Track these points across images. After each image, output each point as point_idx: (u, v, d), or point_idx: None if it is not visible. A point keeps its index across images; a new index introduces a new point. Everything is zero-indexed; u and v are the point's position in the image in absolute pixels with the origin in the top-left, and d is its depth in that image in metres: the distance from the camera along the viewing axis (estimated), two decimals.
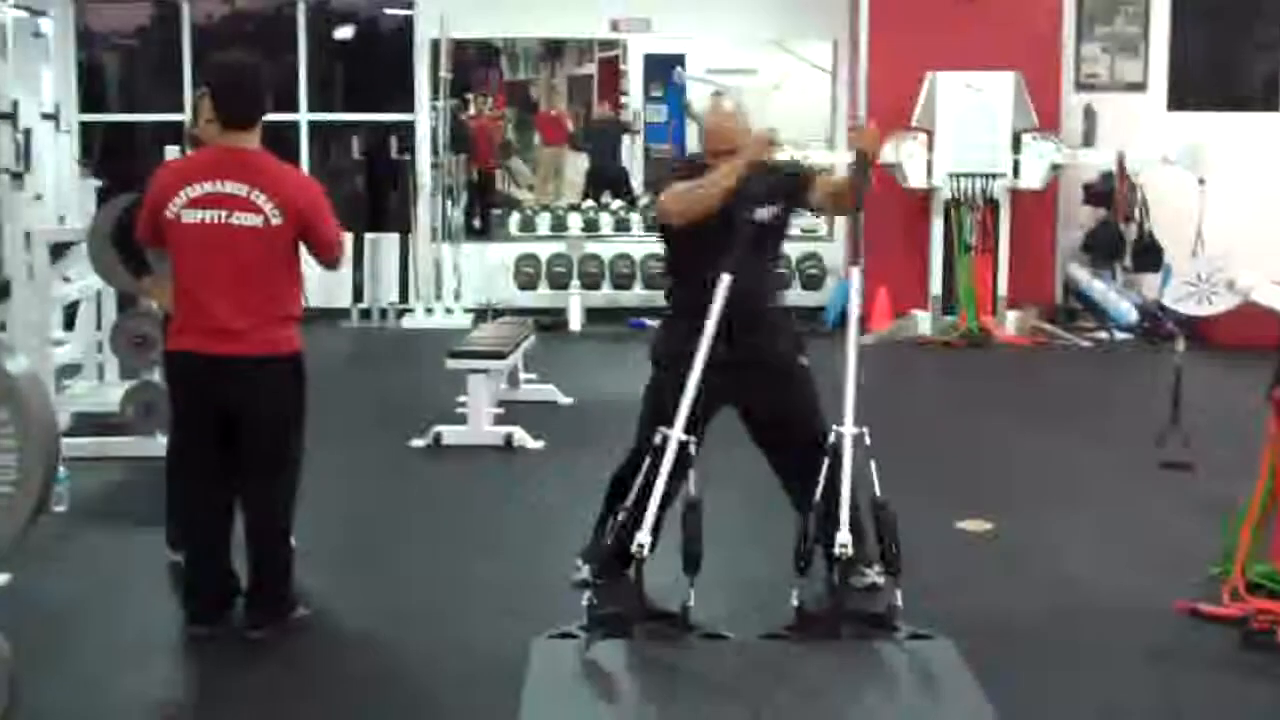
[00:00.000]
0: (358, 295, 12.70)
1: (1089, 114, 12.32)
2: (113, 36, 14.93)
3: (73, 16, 13.13)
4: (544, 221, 13.82)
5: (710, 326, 4.77)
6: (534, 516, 6.48)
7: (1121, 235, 12.07)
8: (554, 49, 18.19)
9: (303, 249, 4.87)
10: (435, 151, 12.93)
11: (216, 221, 4.72)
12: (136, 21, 15.01)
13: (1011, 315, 11.77)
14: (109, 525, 6.37)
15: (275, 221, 4.74)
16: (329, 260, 5.00)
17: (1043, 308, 12.04)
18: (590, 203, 14.77)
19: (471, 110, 16.45)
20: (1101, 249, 12.19)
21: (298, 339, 4.91)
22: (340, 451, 7.40)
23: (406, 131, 13.16)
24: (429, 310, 12.65)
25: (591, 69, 18.65)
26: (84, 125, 13.20)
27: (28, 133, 10.52)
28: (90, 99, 13.45)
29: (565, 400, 9.05)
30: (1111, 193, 12.02)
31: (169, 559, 5.38)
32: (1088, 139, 12.24)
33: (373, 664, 4.78)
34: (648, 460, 4.73)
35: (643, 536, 4.59)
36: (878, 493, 4.74)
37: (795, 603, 4.65)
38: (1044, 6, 12.20)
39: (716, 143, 5.04)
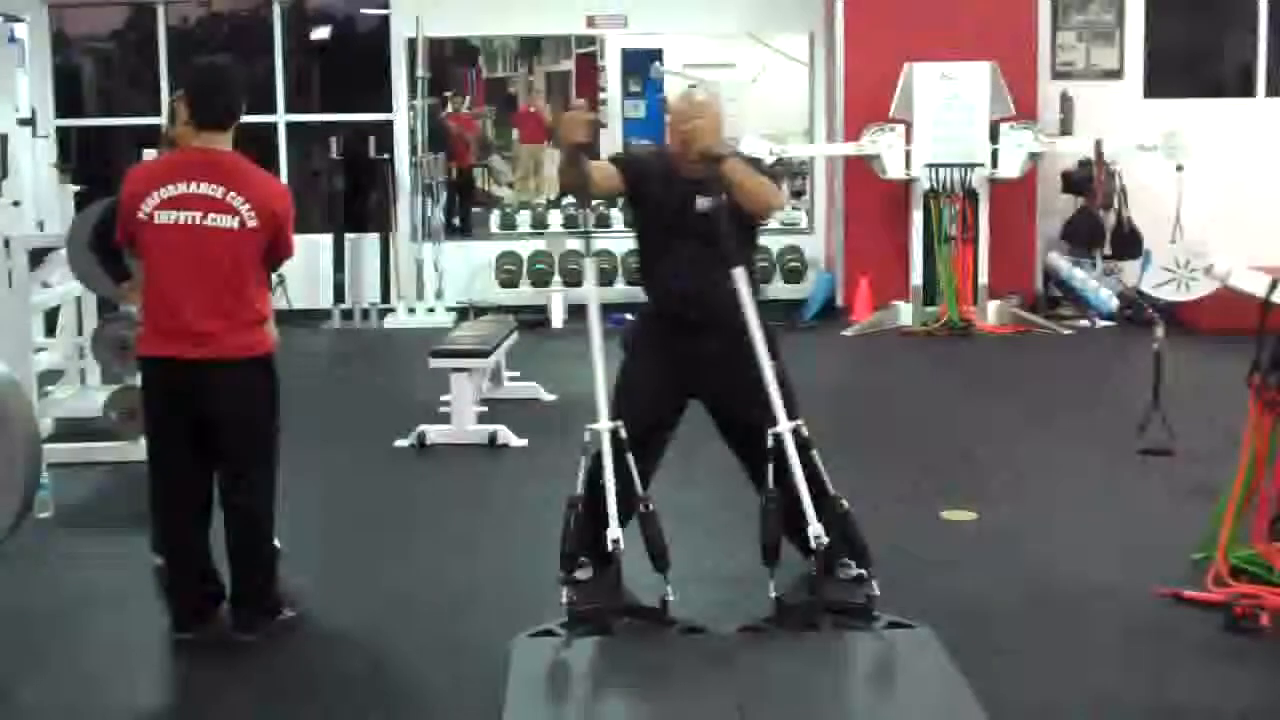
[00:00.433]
0: (339, 296, 12.69)
1: (1066, 102, 12.34)
2: (88, 41, 14.87)
3: (48, 21, 13.08)
4: (524, 219, 13.82)
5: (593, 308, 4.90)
6: (518, 514, 6.49)
7: (1100, 223, 12.08)
8: (531, 46, 18.16)
9: None
10: (414, 150, 12.92)
11: (190, 223, 4.72)
12: (112, 25, 14.95)
13: (992, 304, 11.79)
14: (93, 530, 6.37)
15: (251, 224, 4.74)
16: (279, 263, 5.01)
17: (1023, 296, 12.07)
18: (570, 199, 14.76)
19: (450, 109, 16.44)
20: (1081, 237, 12.21)
21: (269, 340, 4.90)
22: (324, 452, 7.40)
23: (385, 131, 13.14)
24: (411, 310, 12.64)
25: (569, 65, 18.65)
26: (61, 130, 13.15)
27: (4, 138, 10.53)
28: (67, 103, 13.40)
29: (549, 397, 9.05)
30: (1090, 180, 12.04)
31: (153, 563, 5.38)
32: (1065, 127, 12.26)
33: (358, 664, 4.79)
34: (585, 457, 4.77)
35: (613, 532, 4.60)
36: (830, 491, 4.73)
37: (774, 595, 4.66)
38: None
39: (678, 133, 5.03)
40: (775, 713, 4.11)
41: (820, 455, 4.79)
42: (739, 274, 4.85)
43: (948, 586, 5.34)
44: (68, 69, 13.87)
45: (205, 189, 4.73)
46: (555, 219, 13.56)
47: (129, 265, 5.42)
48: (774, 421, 4.75)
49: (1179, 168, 11.35)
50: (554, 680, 4.43)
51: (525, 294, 12.63)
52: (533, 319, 11.75)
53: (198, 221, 4.72)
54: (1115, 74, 12.79)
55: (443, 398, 8.15)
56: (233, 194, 4.73)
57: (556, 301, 12.47)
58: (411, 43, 12.84)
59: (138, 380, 7.05)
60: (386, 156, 13.00)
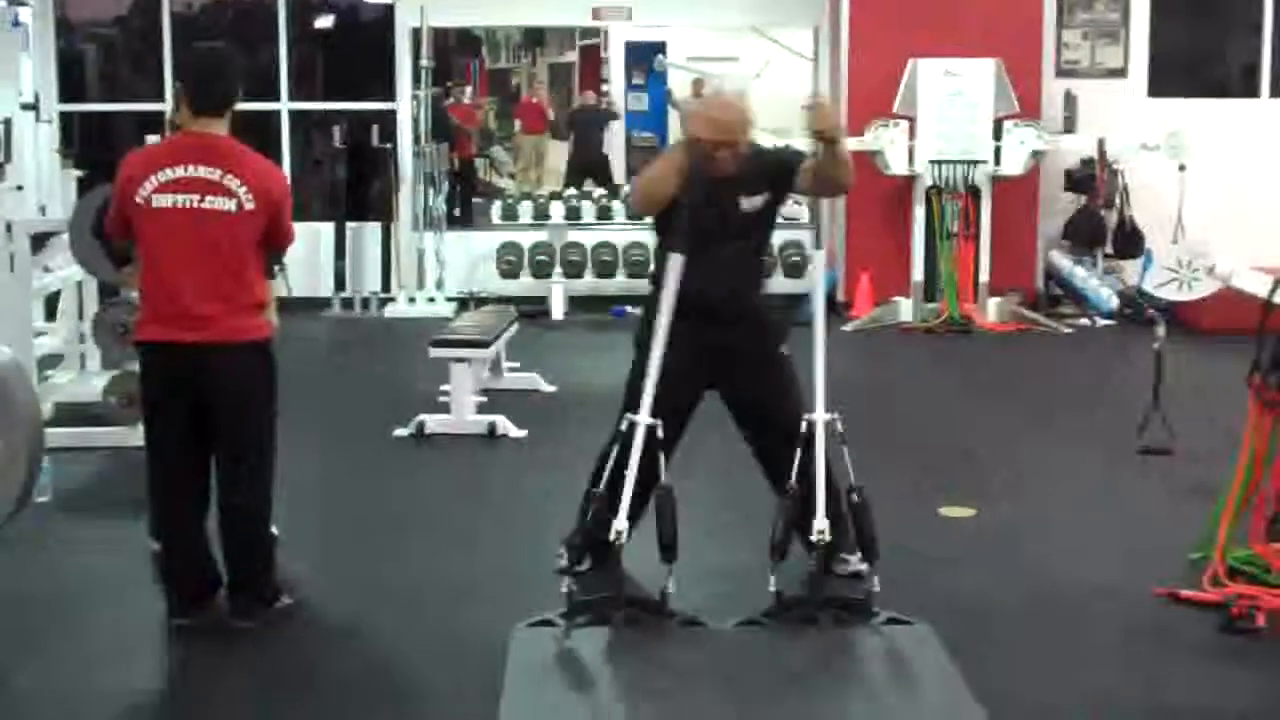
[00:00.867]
0: (339, 284, 12.68)
1: (1069, 100, 12.33)
2: (92, 26, 14.87)
3: (52, 6, 13.07)
4: (526, 210, 13.81)
5: (666, 304, 4.78)
6: (517, 505, 6.49)
7: (1102, 221, 12.08)
8: (535, 37, 18.18)
9: None
10: (417, 140, 12.91)
11: (188, 206, 4.71)
12: (116, 11, 14.96)
13: (993, 302, 11.78)
14: (92, 515, 6.37)
15: (249, 207, 4.74)
16: (279, 249, 5.01)
17: (1024, 294, 12.07)
18: (572, 191, 14.76)
19: (452, 99, 16.44)
20: (1082, 235, 12.21)
21: (267, 325, 4.90)
22: (323, 441, 7.41)
23: (388, 120, 13.13)
24: (411, 299, 12.63)
25: (573, 57, 18.65)
26: (64, 115, 13.15)
27: (8, 123, 10.50)
28: (70, 89, 13.40)
29: (548, 388, 9.05)
30: (1092, 179, 12.03)
31: (152, 548, 5.37)
32: (1068, 125, 12.25)
33: (356, 653, 4.80)
34: (616, 447, 4.74)
35: (619, 523, 4.60)
36: (852, 479, 4.75)
37: (774, 589, 4.66)
38: None
39: (715, 133, 4.92)
40: (773, 707, 4.12)
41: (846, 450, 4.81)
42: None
43: (946, 583, 5.35)
44: (71, 54, 13.86)
45: (202, 172, 4.72)
46: (557, 210, 13.56)
47: (130, 251, 5.41)
48: (799, 407, 4.81)
49: (1181, 167, 11.34)
50: (552, 670, 4.43)
51: (526, 285, 12.62)
52: (533, 310, 11.75)
53: (195, 205, 4.71)
54: (1119, 73, 12.77)
55: (442, 387, 8.14)
56: (230, 177, 4.73)
57: (557, 293, 12.46)
58: (416, 32, 12.82)
59: (137, 366, 7.09)
60: (389, 146, 12.99)
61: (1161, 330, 7.31)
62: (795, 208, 13.50)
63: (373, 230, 12.88)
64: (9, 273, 7.41)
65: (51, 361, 8.66)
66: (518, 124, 19.44)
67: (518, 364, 9.30)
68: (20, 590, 5.30)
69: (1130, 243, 12.00)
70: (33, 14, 12.66)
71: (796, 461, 4.73)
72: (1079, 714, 4.28)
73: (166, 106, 11.51)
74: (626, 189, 14.37)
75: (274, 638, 4.85)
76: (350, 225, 12.82)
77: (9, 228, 7.41)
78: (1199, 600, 5.09)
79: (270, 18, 13.11)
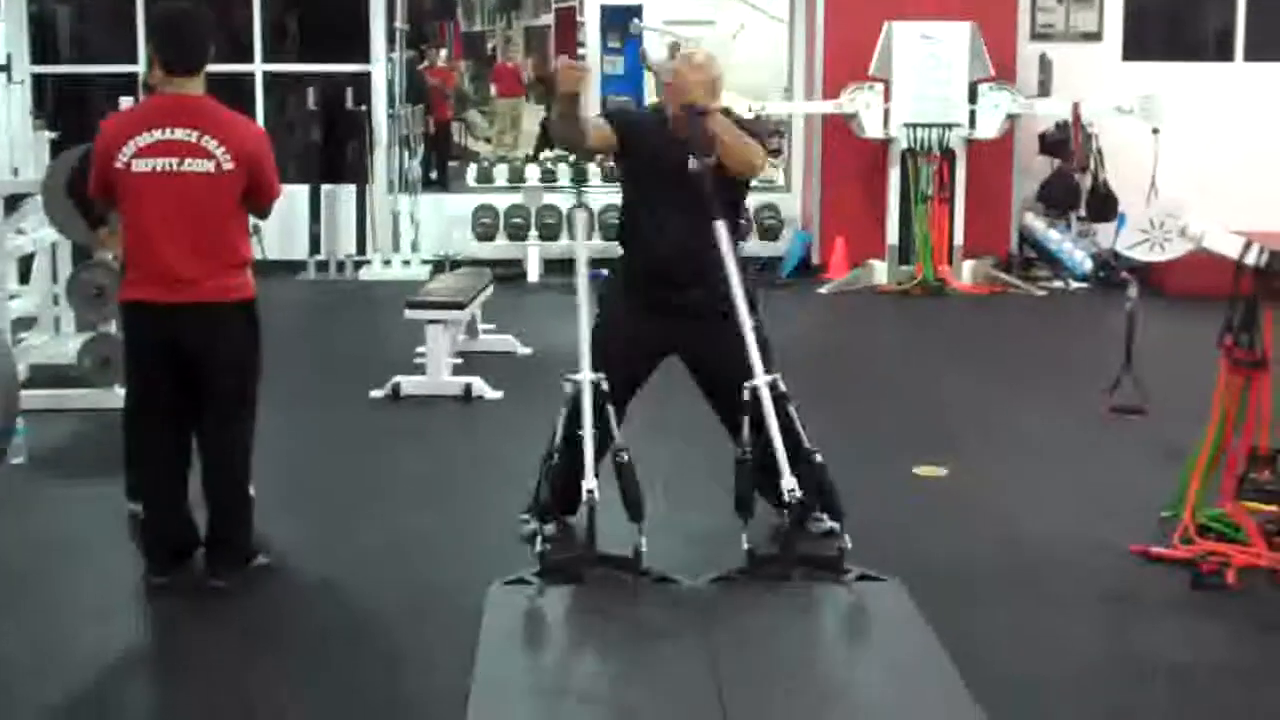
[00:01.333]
0: (315, 247, 12.66)
1: (1044, 64, 12.34)
2: None
3: None
4: (501, 173, 13.79)
5: (581, 257, 4.84)
6: (492, 465, 6.51)
7: (1077, 185, 12.11)
8: (510, 0, 18.09)
9: None
10: (391, 103, 12.88)
11: (167, 170, 4.72)
12: None
13: (967, 264, 11.82)
14: (67, 477, 6.37)
15: (227, 167, 4.74)
16: (266, 207, 5.00)
17: (998, 257, 12.11)
18: (547, 154, 14.73)
19: (427, 62, 16.38)
20: (1057, 198, 12.25)
21: (251, 285, 4.91)
22: (299, 403, 7.40)
23: (362, 83, 13.08)
24: (386, 262, 12.62)
25: (548, 20, 18.58)
26: (37, 77, 13.06)
27: None
28: (43, 50, 13.30)
29: (524, 350, 9.07)
30: (1067, 142, 12.06)
31: (128, 509, 5.38)
32: (1043, 89, 12.26)
33: (332, 611, 4.82)
34: (565, 408, 4.77)
35: (588, 482, 4.63)
36: (805, 443, 4.77)
37: (746, 547, 4.69)
38: None
39: (678, 95, 5.00)
40: (746, 662, 4.15)
41: (795, 410, 4.82)
42: (719, 227, 4.87)
43: (919, 542, 5.38)
44: (44, 16, 13.76)
45: (180, 134, 4.72)
46: (532, 173, 13.53)
47: (104, 213, 5.40)
48: (751, 375, 4.77)
49: (1155, 131, 11.37)
50: (527, 628, 4.46)
51: (501, 247, 12.61)
52: (509, 273, 11.75)
53: (175, 168, 4.72)
54: (1094, 36, 12.79)
55: (418, 349, 8.16)
56: (207, 137, 4.73)
57: (532, 255, 12.46)
58: None
59: (113, 328, 7.09)
60: (364, 108, 12.95)
61: (1133, 291, 7.34)
62: (772, 172, 13.51)
63: (347, 193, 12.85)
64: None
65: (25, 324, 8.63)
66: (493, 87, 19.39)
67: (493, 326, 9.31)
68: None
69: (1104, 206, 12.02)
70: None
71: (746, 422, 4.74)
72: (1050, 668, 4.32)
73: (140, 68, 11.45)
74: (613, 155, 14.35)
75: (251, 596, 4.87)
76: (325, 188, 12.80)
77: None
78: (1170, 558, 5.14)
79: None
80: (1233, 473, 5.37)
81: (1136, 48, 12.86)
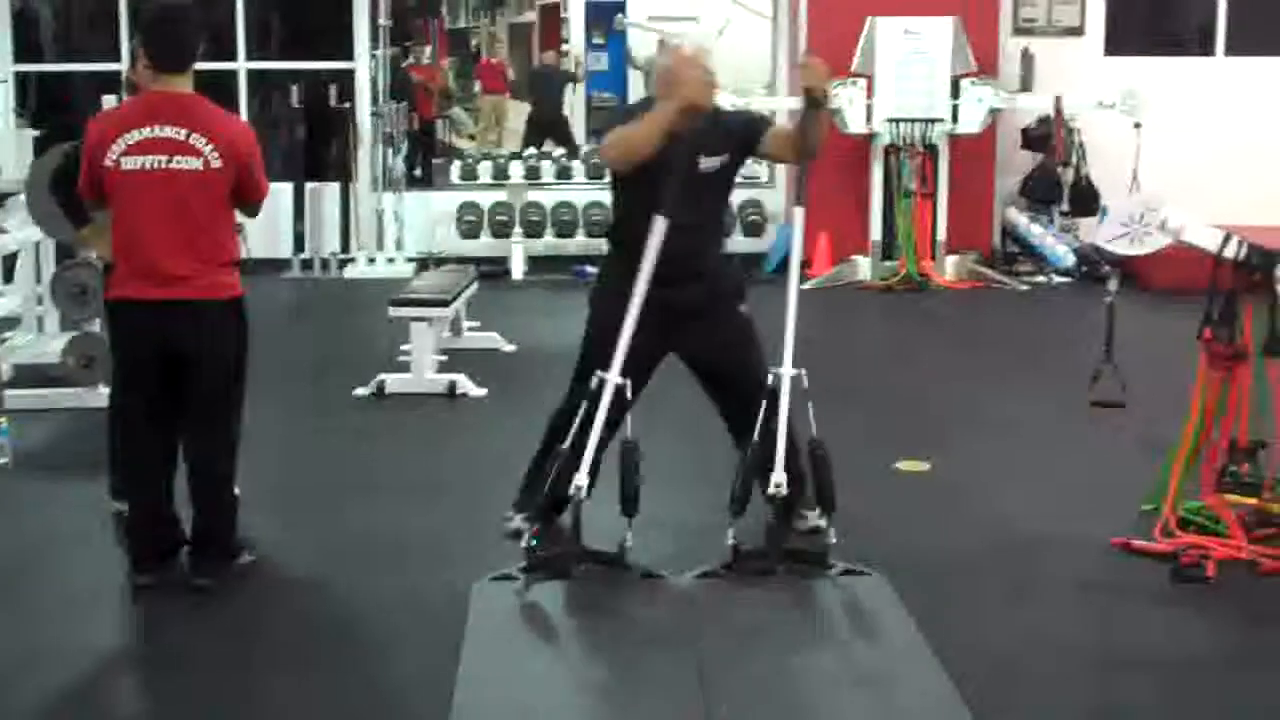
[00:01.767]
0: (299, 245, 12.65)
1: (1027, 59, 12.37)
2: None
3: None
4: (485, 170, 13.79)
5: (646, 268, 4.78)
6: (477, 462, 6.52)
7: (1059, 179, 12.14)
8: None
9: None
10: (375, 100, 12.87)
11: (157, 167, 4.73)
12: None
13: (950, 259, 11.85)
14: (52, 476, 6.37)
15: (215, 165, 4.76)
16: (255, 205, 5.02)
17: (981, 252, 12.14)
18: (532, 151, 14.74)
19: (411, 59, 16.37)
20: (1039, 193, 12.28)
21: (239, 283, 4.93)
22: (284, 400, 7.41)
23: (346, 80, 13.08)
24: (371, 260, 12.61)
25: (532, 17, 18.57)
26: (20, 75, 13.04)
27: None
28: (25, 48, 13.28)
29: (508, 348, 9.08)
30: (1049, 137, 12.08)
31: (112, 509, 5.39)
32: (1025, 84, 12.29)
33: (318, 609, 4.83)
34: (584, 404, 4.77)
35: (580, 479, 4.65)
36: (814, 433, 4.81)
37: (731, 542, 4.72)
38: None
39: (677, 88, 4.88)
40: (732, 656, 4.18)
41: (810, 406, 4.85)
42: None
43: (902, 536, 5.41)
44: (26, 13, 13.74)
45: (169, 132, 4.74)
46: (516, 170, 13.54)
47: (89, 211, 5.41)
48: (760, 364, 4.84)
49: (1137, 125, 11.40)
50: (513, 623, 4.48)
51: (486, 245, 12.61)
52: (493, 270, 11.75)
53: (164, 165, 4.73)
54: (1076, 31, 12.82)
55: (402, 347, 8.17)
56: (195, 135, 4.74)
57: (517, 253, 12.46)
58: None
59: (96, 327, 7.08)
60: (348, 105, 12.95)
61: (1114, 284, 7.34)
62: (755, 167, 13.52)
63: (332, 191, 12.85)
64: None
65: (9, 323, 8.62)
66: (478, 84, 19.38)
67: (478, 323, 9.32)
68: None
69: (1086, 200, 12.05)
70: None
71: (760, 417, 4.76)
72: (1032, 660, 4.35)
73: (123, 65, 11.44)
74: (586, 149, 14.38)
75: (236, 594, 4.88)
76: (309, 186, 12.79)
77: None
78: (1151, 550, 5.18)
79: None
80: (1213, 466, 5.41)
81: (1118, 42, 12.90)
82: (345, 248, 12.73)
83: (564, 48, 18.00)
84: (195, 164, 4.74)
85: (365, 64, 12.99)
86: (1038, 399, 7.67)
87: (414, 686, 4.17)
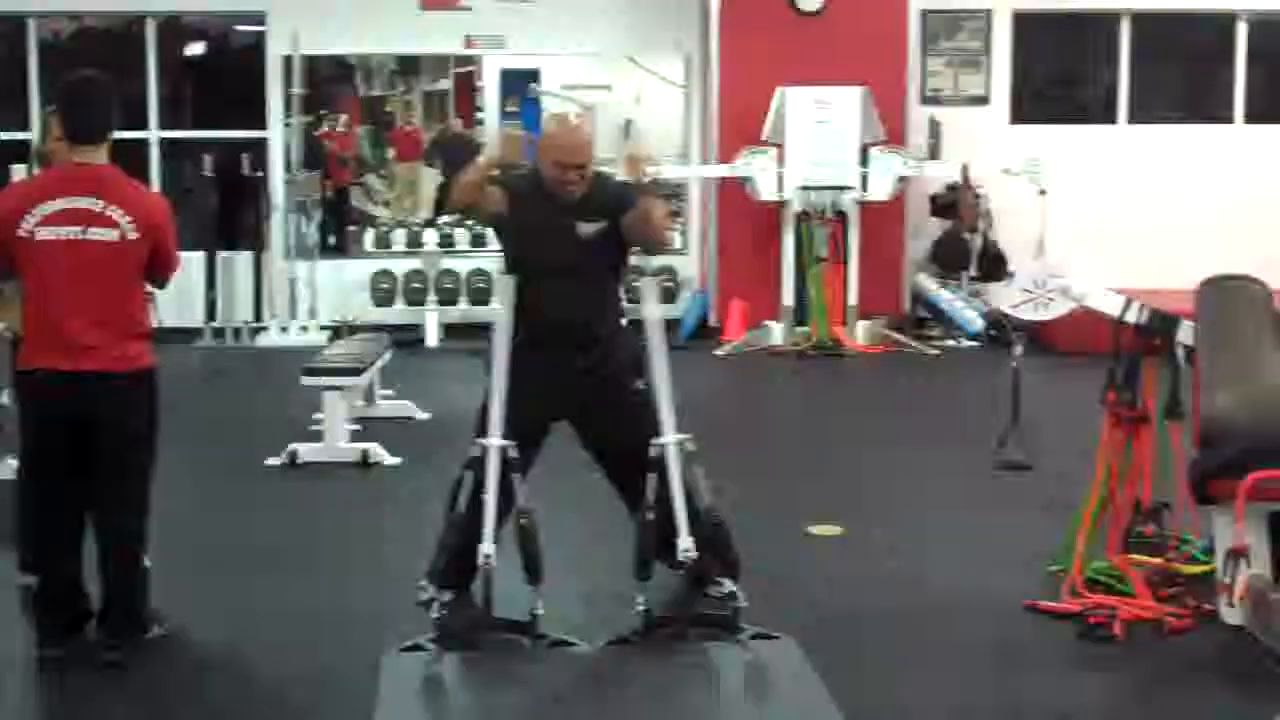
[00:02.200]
0: (211, 314, 12.57)
1: (934, 127, 12.57)
2: None
3: None
4: (399, 237, 13.79)
5: (501, 329, 4.85)
6: (390, 532, 6.49)
7: (967, 245, 12.29)
8: (409, 65, 18.12)
9: None
10: (288, 168, 12.85)
11: (72, 238, 4.73)
12: None
13: (862, 325, 11.97)
14: None
15: (131, 237, 4.76)
16: (166, 278, 5.02)
17: (892, 317, 12.27)
18: (446, 219, 14.75)
19: (325, 126, 16.35)
20: (948, 259, 12.44)
21: (151, 354, 4.92)
22: (195, 470, 7.35)
23: (259, 149, 13.06)
24: (284, 328, 12.56)
25: (447, 85, 18.63)
26: None
27: None
28: None
29: (422, 416, 9.06)
30: (957, 204, 12.26)
31: (20, 582, 5.31)
32: (933, 152, 12.48)
33: (229, 682, 4.79)
34: (470, 473, 4.78)
35: (486, 547, 4.64)
36: (707, 502, 4.82)
37: (642, 608, 4.73)
38: (889, 22, 12.41)
39: (563, 155, 5.00)
40: None
41: (699, 471, 4.86)
42: (646, 284, 4.96)
43: (814, 599, 5.45)
44: None
45: (85, 203, 4.74)
46: (430, 238, 13.55)
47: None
48: (650, 434, 4.81)
49: (1042, 192, 11.60)
50: (424, 695, 4.47)
51: (400, 313, 12.61)
52: (408, 338, 11.74)
53: (79, 236, 4.73)
54: (982, 100, 13.08)
55: (315, 416, 8.13)
56: (112, 207, 4.75)
57: (431, 320, 12.46)
58: (287, 60, 12.78)
59: (4, 398, 6.99)
60: (260, 174, 12.92)
61: (1019, 349, 7.49)
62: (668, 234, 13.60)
63: (244, 259, 12.79)
64: None
65: None
66: (392, 152, 19.37)
67: (392, 392, 9.29)
68: None
69: (994, 265, 12.20)
70: None
71: (652, 484, 4.77)
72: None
73: (33, 135, 11.37)
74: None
75: (146, 668, 4.82)
76: (221, 254, 12.72)
77: None
78: (1059, 610, 5.24)
79: (139, 45, 13.00)
80: (1118, 526, 5.50)
81: (1023, 111, 13.16)
82: (258, 316, 12.68)
83: (477, 115, 18.04)
84: (111, 235, 4.74)
85: (279, 132, 12.98)
86: (949, 462, 7.75)
87: None
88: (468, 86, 18.21)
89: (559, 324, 4.94)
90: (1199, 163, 13.12)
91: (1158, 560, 5.54)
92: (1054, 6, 13.19)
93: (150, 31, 13.01)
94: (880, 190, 11.92)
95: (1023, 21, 13.16)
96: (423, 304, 12.60)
